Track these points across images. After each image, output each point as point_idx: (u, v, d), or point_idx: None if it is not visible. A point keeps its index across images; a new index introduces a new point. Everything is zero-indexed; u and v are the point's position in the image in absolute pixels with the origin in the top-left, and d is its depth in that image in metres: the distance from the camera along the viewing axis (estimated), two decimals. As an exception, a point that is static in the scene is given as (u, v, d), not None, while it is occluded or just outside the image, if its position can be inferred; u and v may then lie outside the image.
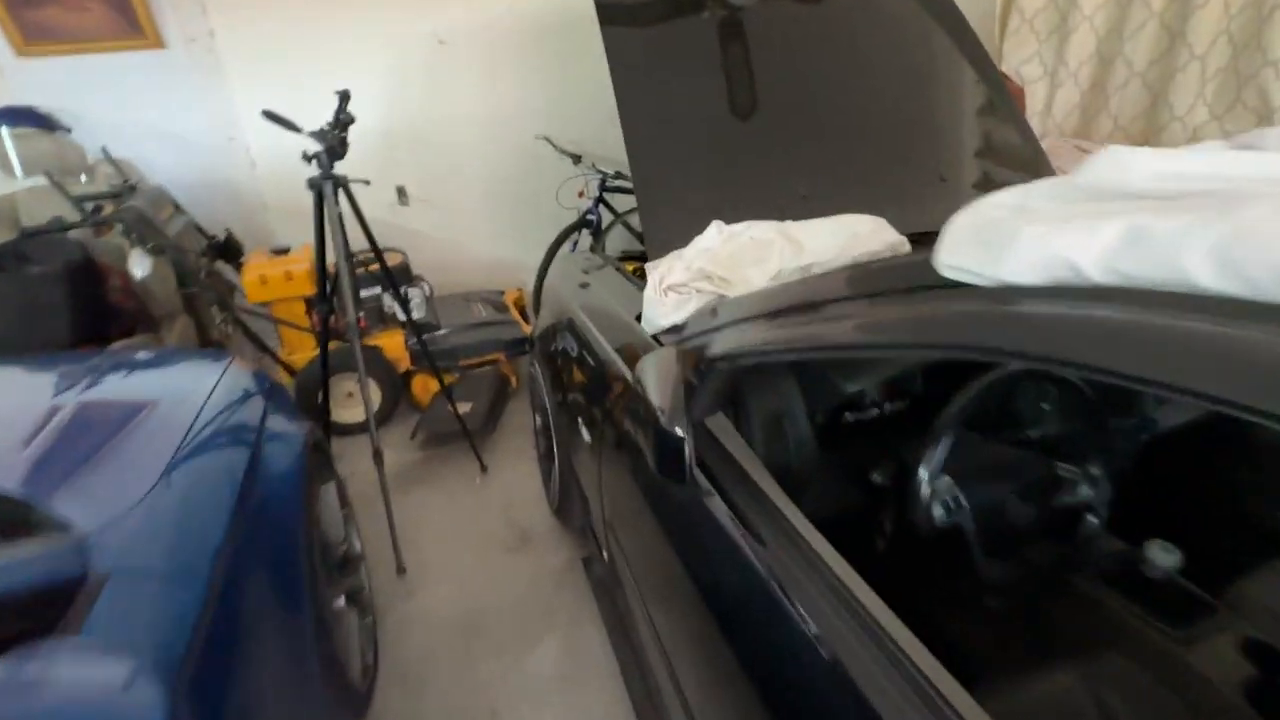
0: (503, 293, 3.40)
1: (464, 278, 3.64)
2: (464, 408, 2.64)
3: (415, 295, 2.77)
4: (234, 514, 1.17)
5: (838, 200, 1.61)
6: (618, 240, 3.66)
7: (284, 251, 2.74)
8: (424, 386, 2.85)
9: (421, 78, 3.25)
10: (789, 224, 1.28)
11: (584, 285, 2.00)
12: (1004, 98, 1.95)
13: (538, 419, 2.40)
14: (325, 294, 1.97)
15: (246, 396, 1.64)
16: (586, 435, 1.59)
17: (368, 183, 1.90)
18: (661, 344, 1.27)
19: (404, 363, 2.82)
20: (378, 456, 1.90)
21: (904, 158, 1.83)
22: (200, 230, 2.71)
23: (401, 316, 2.74)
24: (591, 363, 1.62)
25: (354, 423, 2.70)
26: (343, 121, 1.73)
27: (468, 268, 3.69)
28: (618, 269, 2.01)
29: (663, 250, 1.54)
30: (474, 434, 2.53)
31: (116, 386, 1.54)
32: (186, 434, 1.32)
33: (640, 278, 2.09)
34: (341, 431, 2.68)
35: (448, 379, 2.85)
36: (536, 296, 3.46)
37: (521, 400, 2.97)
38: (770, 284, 1.12)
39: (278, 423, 1.61)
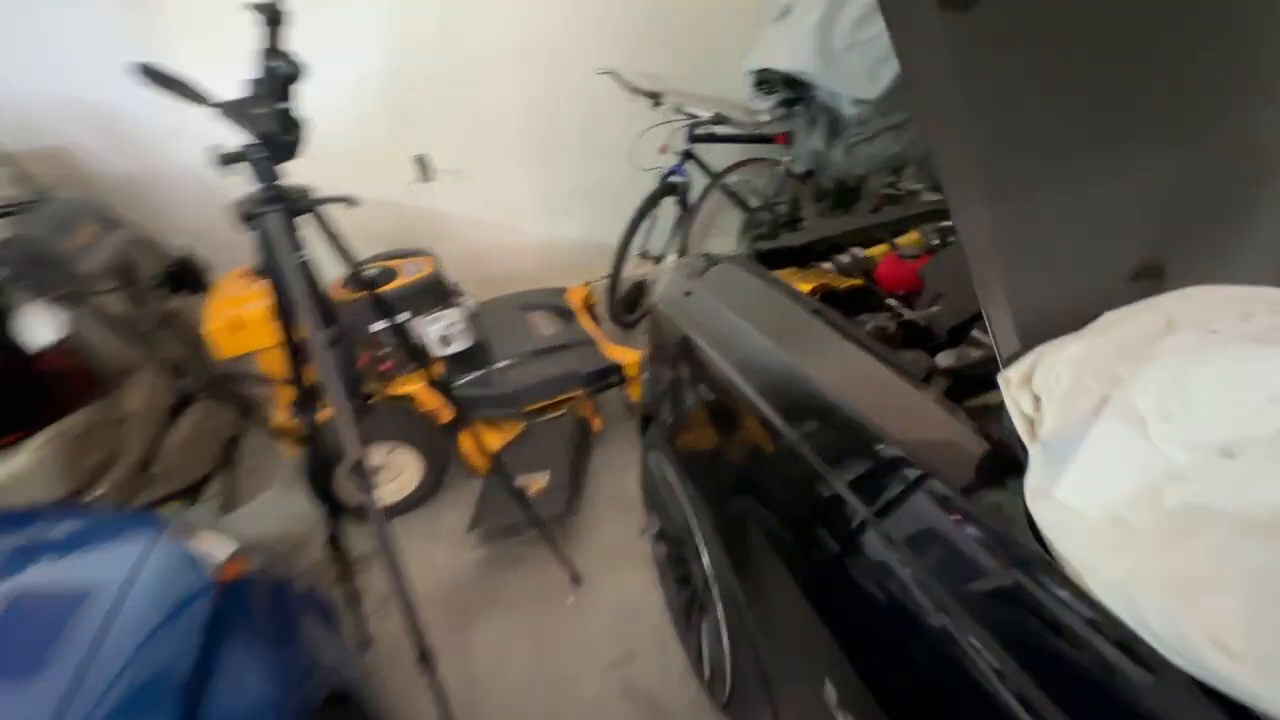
0: (564, 290, 2.55)
1: (513, 269, 2.80)
2: (535, 481, 1.87)
3: (452, 320, 1.95)
4: None
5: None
6: (714, 215, 2.74)
7: (267, 271, 1.94)
8: (477, 437, 2.07)
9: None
10: None
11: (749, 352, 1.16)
12: None
13: (656, 523, 1.61)
14: (303, 389, 1.16)
15: (176, 614, 0.90)
16: (834, 694, 0.79)
17: (351, 202, 1.05)
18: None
19: (446, 409, 2.04)
20: (424, 658, 1.13)
21: None
22: (154, 248, 1.93)
23: (438, 349, 1.96)
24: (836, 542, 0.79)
25: (388, 504, 1.96)
26: (279, 75, 0.83)
27: (517, 257, 2.85)
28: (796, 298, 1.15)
29: (1036, 331, 0.68)
30: (553, 524, 1.77)
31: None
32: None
33: (814, 292, 1.25)
34: (365, 516, 1.95)
35: (507, 431, 2.08)
36: (612, 293, 2.61)
37: (611, 449, 2.18)
38: None
39: (238, 670, 0.86)
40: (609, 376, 2.09)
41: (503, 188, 2.69)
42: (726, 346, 1.18)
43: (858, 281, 1.39)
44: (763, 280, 1.32)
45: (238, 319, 1.72)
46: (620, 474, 2.08)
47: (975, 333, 1.06)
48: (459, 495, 2.05)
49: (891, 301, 1.30)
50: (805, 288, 1.32)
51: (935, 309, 1.23)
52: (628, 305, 2.79)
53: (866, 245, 1.59)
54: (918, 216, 1.65)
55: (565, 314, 2.40)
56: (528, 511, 1.65)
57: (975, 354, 0.98)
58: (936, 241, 1.56)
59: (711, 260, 1.54)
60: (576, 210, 2.83)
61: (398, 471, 1.95)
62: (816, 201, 2.86)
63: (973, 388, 0.89)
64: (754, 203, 2.79)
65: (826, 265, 1.53)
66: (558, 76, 2.50)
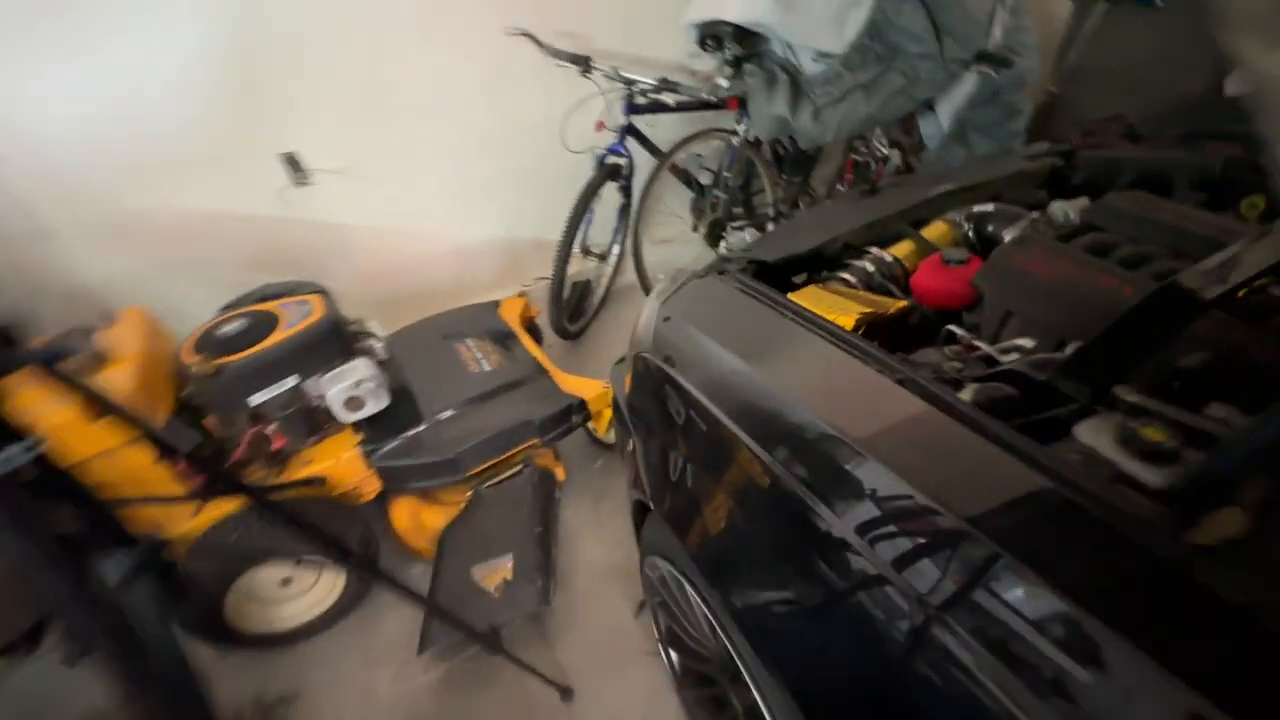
0: (497, 305, 2.11)
1: (429, 284, 2.33)
2: (497, 571, 1.48)
3: (360, 375, 1.50)
4: None
5: None
6: (659, 193, 2.34)
7: (83, 339, 1.41)
8: (414, 516, 1.65)
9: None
10: None
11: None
12: None
13: (664, 624, 1.27)
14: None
15: None
16: None
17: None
18: None
19: (368, 485, 1.60)
20: None
21: None
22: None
23: (345, 415, 1.51)
24: None
25: (297, 626, 1.52)
26: None
27: (432, 268, 2.36)
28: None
29: None
30: (524, 621, 1.40)
31: None
32: None
33: (859, 327, 0.95)
34: (276, 642, 1.51)
35: (451, 504, 1.66)
36: (556, 301, 2.20)
37: (580, 500, 1.82)
38: None
39: None
40: (570, 418, 1.70)
41: (404, 185, 2.18)
42: (755, 421, 0.84)
43: (903, 303, 1.08)
44: (788, 315, 0.98)
45: (48, 421, 1.19)
46: (596, 530, 1.73)
47: (1124, 391, 0.77)
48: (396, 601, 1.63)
49: (957, 332, 1.00)
50: (844, 320, 0.99)
51: (1025, 345, 0.93)
52: (572, 312, 2.39)
53: (882, 243, 1.28)
54: (940, 199, 1.35)
55: (503, 337, 1.98)
56: (487, 637, 1.27)
57: (1160, 440, 0.67)
58: (971, 233, 1.27)
59: (688, 277, 1.19)
60: (499, 205, 2.37)
61: (311, 581, 1.51)
62: (778, 170, 2.52)
63: (1191, 503, 0.59)
64: (704, 179, 2.43)
65: (846, 276, 1.21)
66: (460, 43, 2.00)
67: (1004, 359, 0.92)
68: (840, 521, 0.69)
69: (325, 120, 1.97)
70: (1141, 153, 1.43)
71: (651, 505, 1.07)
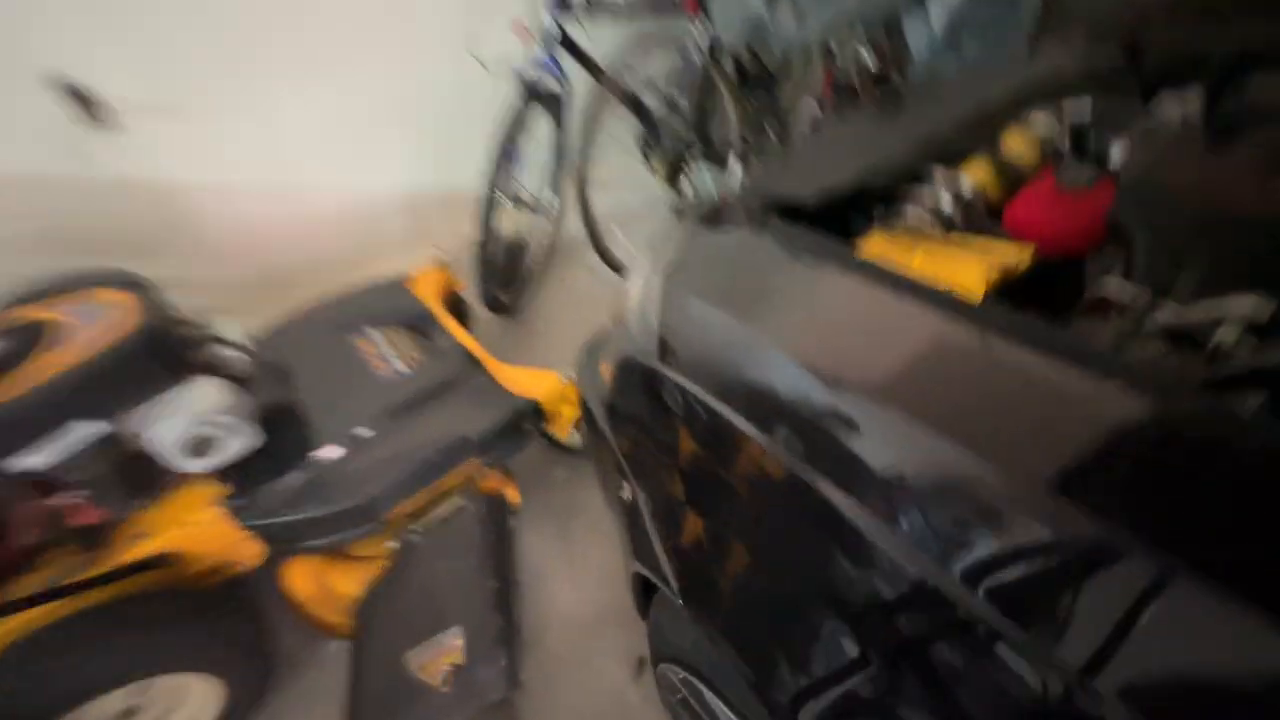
0: (409, 278, 1.63)
1: (309, 257, 1.80)
2: (444, 655, 1.08)
3: (206, 402, 1.02)
4: None
5: None
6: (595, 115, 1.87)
7: None
8: (319, 582, 1.22)
9: None
10: None
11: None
12: None
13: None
14: None
15: None
16: None
17: None
18: None
19: (245, 552, 1.14)
20: None
21: None
22: None
23: (188, 463, 1.04)
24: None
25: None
26: None
27: (314, 235, 1.83)
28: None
29: None
30: (486, 709, 1.03)
31: None
32: None
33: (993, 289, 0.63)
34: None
35: (368, 561, 1.24)
36: (484, 266, 1.74)
37: (540, 524, 1.43)
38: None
39: None
40: (521, 426, 1.29)
41: (264, 124, 1.61)
42: (860, 472, 0.48)
43: (1027, 249, 0.72)
44: (886, 286, 0.61)
45: None
46: (568, 565, 1.36)
47: None
48: (310, 667, 1.21)
49: (1115, 294, 0.66)
50: (970, 282, 0.63)
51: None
52: (505, 280, 1.93)
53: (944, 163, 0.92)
54: (1008, 101, 0.98)
55: (420, 322, 1.52)
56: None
57: None
58: (1066, 146, 0.92)
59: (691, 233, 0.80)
60: (398, 145, 1.85)
61: (169, 705, 1.06)
62: (741, 87, 2.08)
63: None
64: (652, 103, 1.97)
65: (913, 211, 0.85)
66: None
67: (1227, 337, 0.58)
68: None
69: (128, 28, 1.37)
70: (1240, 31, 1.11)
71: (680, 600, 0.69)
